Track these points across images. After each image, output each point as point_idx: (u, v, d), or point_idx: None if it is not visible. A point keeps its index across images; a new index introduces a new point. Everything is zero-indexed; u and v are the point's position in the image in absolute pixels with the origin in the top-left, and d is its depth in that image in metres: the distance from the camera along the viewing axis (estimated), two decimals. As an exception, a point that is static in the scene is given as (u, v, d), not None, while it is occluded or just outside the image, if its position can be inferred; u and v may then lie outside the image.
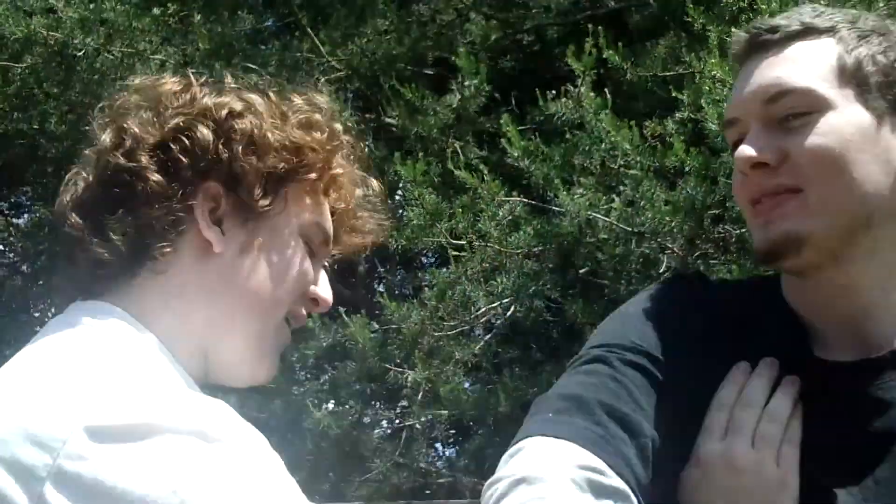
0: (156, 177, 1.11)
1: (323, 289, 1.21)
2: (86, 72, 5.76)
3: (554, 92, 4.67)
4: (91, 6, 5.54)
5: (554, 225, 4.41)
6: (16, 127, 6.05)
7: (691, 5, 4.21)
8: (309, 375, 6.44)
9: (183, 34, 6.10)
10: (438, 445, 7.22)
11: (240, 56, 6.25)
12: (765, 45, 1.18)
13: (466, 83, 5.00)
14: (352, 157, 1.24)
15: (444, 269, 4.82)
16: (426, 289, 5.01)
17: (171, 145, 1.13)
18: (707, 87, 4.01)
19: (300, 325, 1.22)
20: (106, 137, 1.15)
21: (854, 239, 1.13)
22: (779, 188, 1.13)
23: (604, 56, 4.46)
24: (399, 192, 6.96)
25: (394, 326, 4.74)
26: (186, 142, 1.14)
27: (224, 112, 1.20)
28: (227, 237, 1.13)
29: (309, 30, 6.38)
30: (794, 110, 1.13)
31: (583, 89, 4.30)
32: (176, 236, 1.12)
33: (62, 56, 5.76)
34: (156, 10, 5.86)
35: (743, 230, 4.37)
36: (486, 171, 4.39)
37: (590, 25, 4.39)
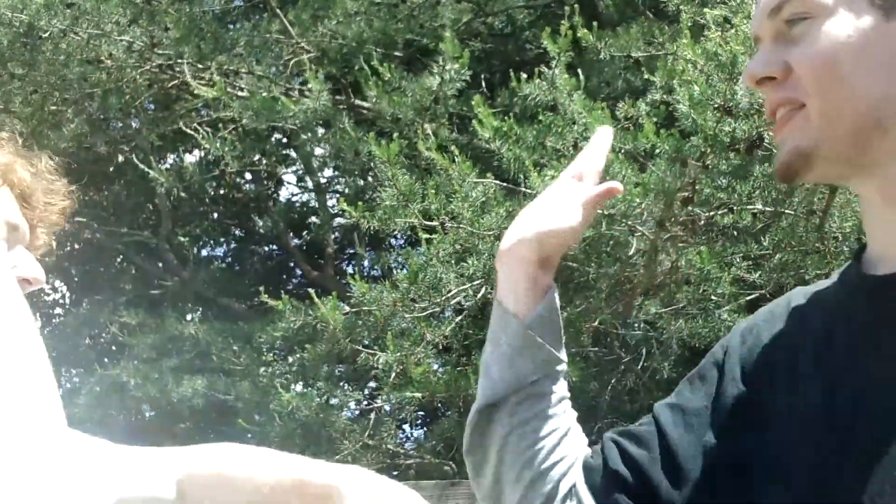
0: None
1: (27, 268, 1.33)
2: (51, 52, 5.70)
3: (525, 75, 4.66)
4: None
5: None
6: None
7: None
8: (277, 357, 6.42)
9: (150, 15, 6.04)
10: (406, 427, 7.23)
11: (208, 38, 6.19)
12: None
13: (448, 66, 4.97)
14: (15, 146, 1.38)
15: (416, 250, 4.80)
16: (396, 270, 5.00)
17: None
18: (679, 69, 4.01)
19: None
20: None
21: (869, 144, 1.10)
22: (784, 102, 1.13)
23: (578, 36, 4.45)
24: (370, 174, 6.94)
25: (364, 308, 4.72)
26: None
27: None
28: None
29: (278, 11, 6.32)
30: (793, 13, 1.12)
31: (557, 70, 4.29)
32: None
33: (27, 37, 5.69)
34: (122, -10, 5.79)
35: (712, 213, 4.39)
36: (457, 153, 4.38)
37: (566, 7, 4.39)
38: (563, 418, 1.22)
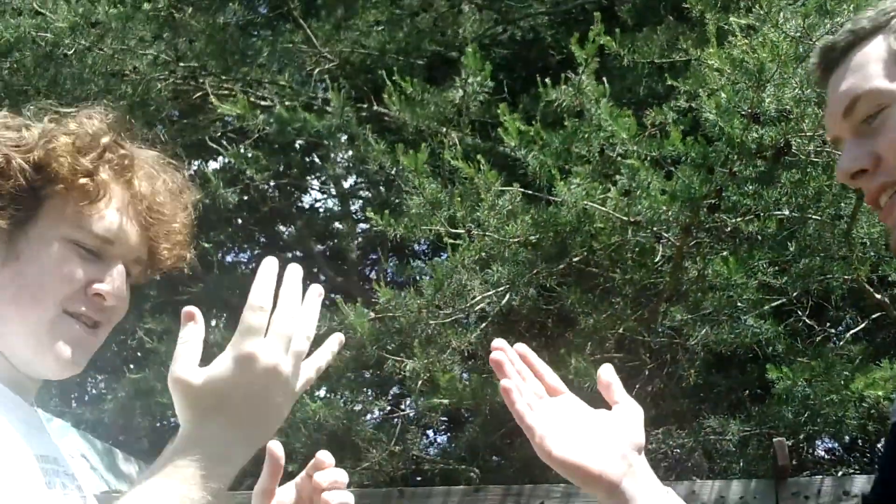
0: None
1: (108, 284, 1.33)
2: (76, 68, 5.74)
3: (549, 81, 4.66)
4: (80, 10, 5.52)
5: (551, 214, 4.41)
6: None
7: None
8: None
9: (174, 28, 6.08)
10: (430, 433, 7.23)
11: (231, 49, 6.22)
12: (829, 64, 1.25)
13: (470, 80, 4.99)
14: (127, 163, 1.37)
15: (441, 258, 4.81)
16: (421, 277, 5.00)
17: None
18: (705, 77, 4.01)
19: (96, 318, 1.34)
20: None
21: None
22: (885, 187, 1.19)
23: (601, 43, 4.45)
24: (395, 182, 6.95)
25: (389, 315, 4.73)
26: None
27: None
28: None
29: (301, 21, 6.35)
30: (869, 112, 1.19)
31: (584, 77, 4.30)
32: None
33: (52, 55, 5.74)
34: (146, 6, 5.83)
35: (738, 219, 4.38)
36: (482, 161, 4.39)
37: (593, 14, 4.39)
38: None
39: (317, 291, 1.18)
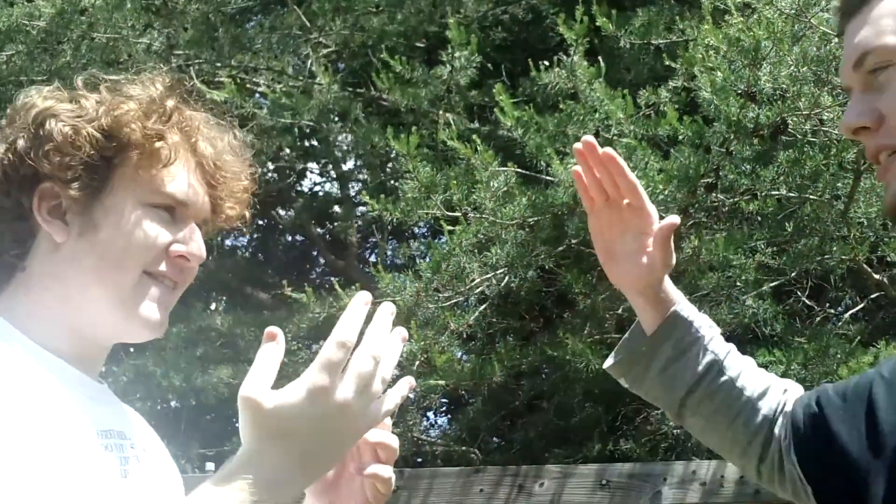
0: None
1: (190, 245, 1.35)
2: (72, 57, 5.73)
3: (546, 63, 4.65)
4: (68, -3, 5.52)
5: (548, 195, 4.40)
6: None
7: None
8: (301, 347, 6.45)
9: (167, 15, 6.06)
10: (431, 414, 7.25)
11: (224, 36, 6.20)
12: (849, 11, 1.24)
13: (457, 54, 4.97)
14: (191, 124, 1.39)
15: (438, 240, 4.81)
16: (419, 260, 5.00)
17: (3, 162, 1.32)
18: (700, 55, 3.99)
19: (180, 279, 1.37)
20: None
21: None
22: (884, 148, 1.19)
23: (596, 24, 4.43)
24: (390, 165, 6.94)
25: (388, 299, 4.73)
26: (11, 156, 1.31)
27: (32, 119, 1.32)
28: (70, 227, 1.31)
29: (296, 7, 6.32)
30: (875, 66, 1.18)
31: (576, 58, 4.28)
32: (29, 238, 1.32)
33: (46, 44, 5.72)
34: (137, -7, 5.82)
35: (736, 199, 4.37)
36: (478, 143, 4.38)
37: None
38: None
39: (401, 335, 1.19)
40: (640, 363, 1.60)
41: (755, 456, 1.53)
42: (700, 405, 1.55)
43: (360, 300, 1.16)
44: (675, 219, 1.53)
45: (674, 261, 1.58)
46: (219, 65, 6.06)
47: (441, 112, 5.20)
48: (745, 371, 1.55)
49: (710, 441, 1.59)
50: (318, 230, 8.51)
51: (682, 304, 1.59)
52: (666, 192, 4.22)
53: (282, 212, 8.58)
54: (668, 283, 1.59)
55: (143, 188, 1.32)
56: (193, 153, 1.38)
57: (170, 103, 1.36)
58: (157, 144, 1.32)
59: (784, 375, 4.29)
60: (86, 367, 1.32)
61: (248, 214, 1.47)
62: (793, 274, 4.57)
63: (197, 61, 6.09)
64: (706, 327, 1.58)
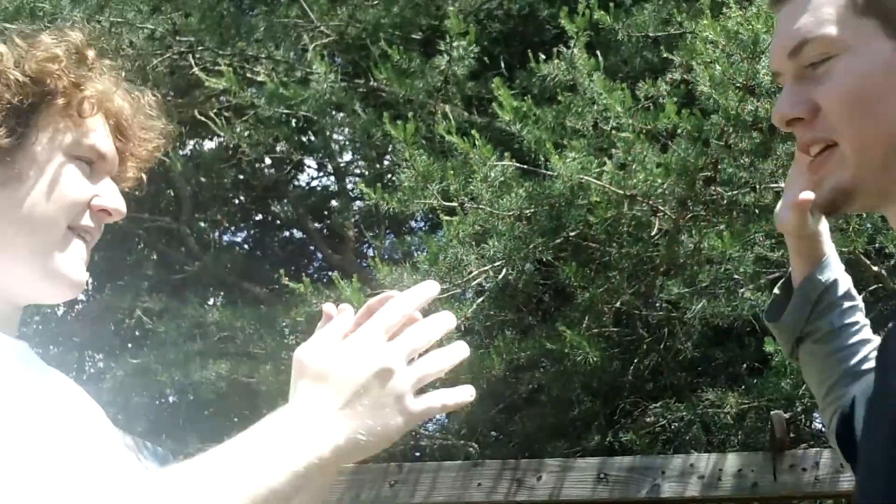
0: None
1: (109, 199, 1.31)
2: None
3: (544, 56, 4.63)
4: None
5: (545, 188, 4.39)
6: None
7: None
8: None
9: (173, 2, 6.04)
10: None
11: (227, 24, 6.18)
12: None
13: (455, 44, 4.95)
14: (117, 76, 1.36)
15: (436, 233, 4.79)
16: (417, 252, 4.98)
17: None
18: (699, 49, 3.98)
19: (97, 235, 1.32)
20: None
21: None
22: (816, 141, 1.15)
23: (595, 17, 4.42)
24: (387, 157, 6.93)
25: (386, 291, 4.71)
26: None
27: None
28: None
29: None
30: (814, 59, 1.13)
31: (576, 50, 4.27)
32: None
33: (53, 26, 5.70)
34: (143, -22, 5.81)
35: (734, 192, 4.36)
36: (476, 135, 4.36)
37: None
38: None
39: (464, 350, 1.16)
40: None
41: (828, 421, 1.62)
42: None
43: (431, 287, 1.16)
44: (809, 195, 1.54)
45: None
46: (220, 52, 6.05)
47: (438, 103, 5.18)
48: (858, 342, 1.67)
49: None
50: (316, 225, 8.49)
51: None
52: (665, 186, 4.22)
53: (278, 207, 8.57)
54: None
55: (67, 138, 1.27)
56: (112, 106, 1.34)
57: (91, 53, 1.33)
58: (84, 93, 1.28)
59: (787, 365, 4.31)
60: (2, 326, 1.25)
61: (144, 178, 1.42)
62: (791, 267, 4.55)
63: (199, 48, 6.08)
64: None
